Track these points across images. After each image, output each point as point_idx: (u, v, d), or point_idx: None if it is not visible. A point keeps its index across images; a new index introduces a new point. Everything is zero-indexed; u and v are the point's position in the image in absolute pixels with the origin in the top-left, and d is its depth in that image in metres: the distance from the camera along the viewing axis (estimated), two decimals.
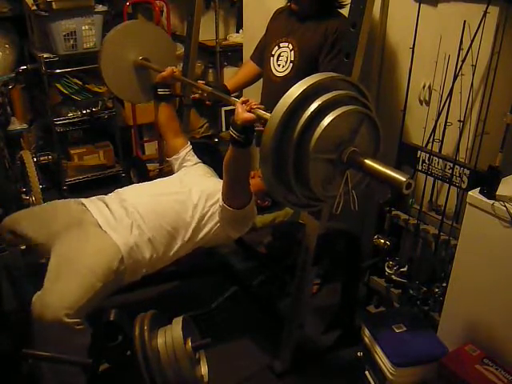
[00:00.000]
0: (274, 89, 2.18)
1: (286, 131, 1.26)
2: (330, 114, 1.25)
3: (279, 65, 2.16)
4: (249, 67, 2.39)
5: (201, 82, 2.22)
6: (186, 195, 1.96)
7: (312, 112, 1.25)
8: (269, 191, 1.40)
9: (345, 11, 1.97)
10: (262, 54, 2.29)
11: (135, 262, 1.83)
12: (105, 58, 2.45)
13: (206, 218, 1.96)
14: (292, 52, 2.11)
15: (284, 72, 2.14)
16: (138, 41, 2.46)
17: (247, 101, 1.67)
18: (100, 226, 1.84)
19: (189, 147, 2.25)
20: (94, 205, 1.93)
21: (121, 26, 2.54)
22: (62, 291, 1.63)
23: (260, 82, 2.34)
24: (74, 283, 1.66)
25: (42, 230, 1.85)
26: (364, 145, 1.35)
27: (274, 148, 1.27)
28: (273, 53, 2.19)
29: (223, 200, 1.87)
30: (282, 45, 2.16)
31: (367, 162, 1.30)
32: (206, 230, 1.97)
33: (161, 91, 2.24)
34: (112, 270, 1.74)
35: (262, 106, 1.65)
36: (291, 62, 2.12)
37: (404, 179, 1.22)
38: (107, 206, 1.93)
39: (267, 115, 1.54)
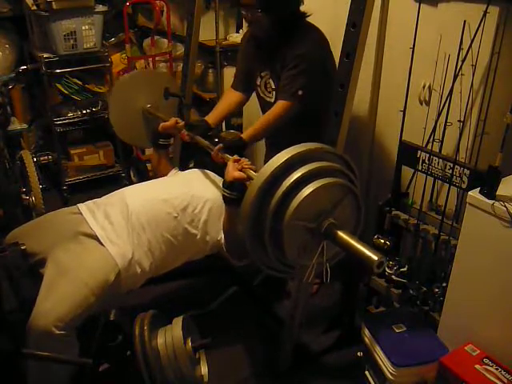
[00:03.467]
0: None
1: (268, 195, 1.28)
2: (312, 184, 1.27)
3: (269, 92, 2.23)
4: (231, 96, 2.35)
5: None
6: (188, 201, 1.94)
7: (294, 180, 1.27)
8: (245, 248, 1.41)
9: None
10: (243, 82, 2.31)
11: (133, 274, 1.82)
12: (114, 106, 2.52)
13: (206, 226, 1.95)
14: (271, 80, 2.18)
15: (273, 98, 2.20)
16: (146, 88, 2.52)
17: (239, 160, 1.71)
18: (98, 239, 1.81)
19: (176, 169, 2.33)
20: (91, 214, 1.90)
21: (129, 75, 2.65)
22: (55, 304, 1.63)
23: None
24: (67, 296, 1.65)
25: (40, 244, 1.84)
26: (344, 219, 1.35)
27: (254, 208, 1.28)
28: (258, 83, 2.24)
29: (224, 247, 1.91)
30: (262, 74, 2.22)
31: (340, 234, 1.30)
32: (208, 237, 1.96)
33: (162, 141, 2.29)
34: (108, 285, 1.73)
35: (254, 167, 1.71)
36: (273, 89, 2.19)
37: (376, 258, 1.23)
38: (107, 213, 1.89)
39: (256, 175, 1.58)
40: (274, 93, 2.19)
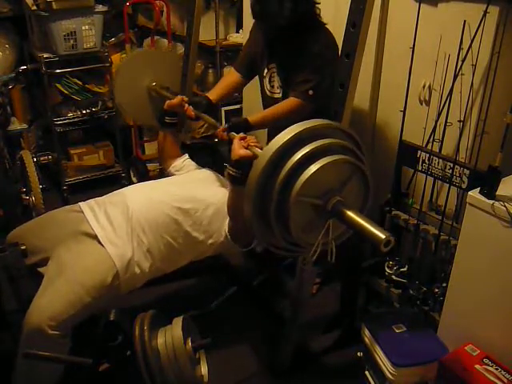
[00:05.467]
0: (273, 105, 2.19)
1: (274, 171, 1.26)
2: (321, 161, 1.24)
3: (272, 86, 2.20)
4: (232, 77, 2.33)
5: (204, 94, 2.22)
6: (190, 203, 1.93)
7: (302, 156, 1.24)
8: (249, 227, 1.38)
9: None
10: (246, 66, 2.28)
11: (132, 275, 1.81)
12: (119, 84, 2.52)
13: (209, 230, 1.94)
14: (276, 75, 2.15)
15: (279, 94, 2.17)
16: (152, 67, 2.52)
17: (245, 137, 1.70)
18: (98, 239, 1.81)
19: (185, 156, 2.28)
20: (92, 214, 1.89)
21: (136, 52, 2.70)
22: (49, 302, 1.63)
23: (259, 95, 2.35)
24: (63, 296, 1.65)
25: (42, 242, 1.84)
26: (352, 197, 1.33)
27: (260, 185, 1.26)
28: (264, 74, 2.21)
29: (229, 233, 1.90)
30: (270, 66, 2.18)
31: (348, 213, 1.28)
32: (210, 241, 1.95)
33: (168, 119, 2.25)
34: (105, 286, 1.72)
35: (260, 144, 1.69)
36: (279, 86, 2.16)
37: (383, 236, 1.21)
38: (107, 213, 1.89)
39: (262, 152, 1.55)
40: (278, 90, 2.16)
